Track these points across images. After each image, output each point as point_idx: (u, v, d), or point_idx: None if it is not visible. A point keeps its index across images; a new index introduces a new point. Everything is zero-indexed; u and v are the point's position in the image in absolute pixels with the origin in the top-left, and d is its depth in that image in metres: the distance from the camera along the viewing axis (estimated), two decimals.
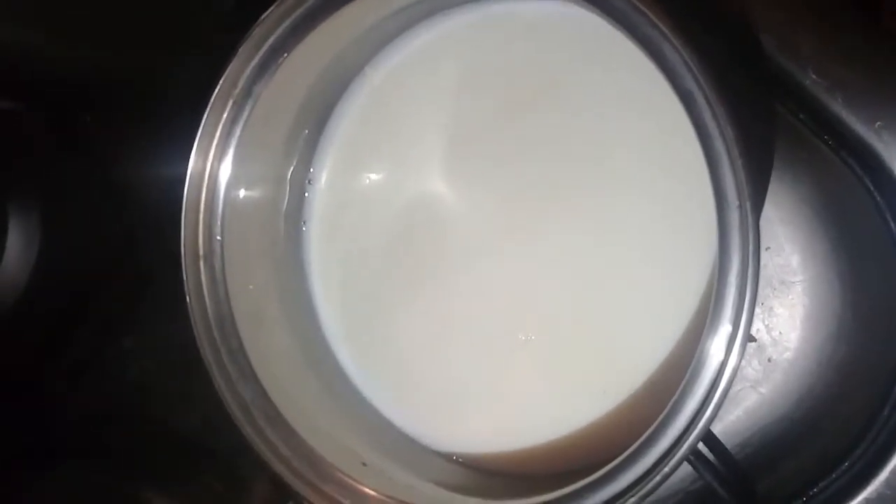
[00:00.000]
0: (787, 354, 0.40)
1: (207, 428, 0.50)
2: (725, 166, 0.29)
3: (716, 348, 0.30)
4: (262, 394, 0.37)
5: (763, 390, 0.40)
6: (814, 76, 0.37)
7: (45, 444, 0.51)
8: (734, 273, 0.29)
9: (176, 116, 0.39)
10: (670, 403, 0.30)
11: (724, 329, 0.29)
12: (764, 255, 0.40)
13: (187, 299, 0.37)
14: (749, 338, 0.30)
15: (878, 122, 0.37)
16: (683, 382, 0.30)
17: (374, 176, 0.43)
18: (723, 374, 0.29)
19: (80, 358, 0.53)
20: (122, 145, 0.45)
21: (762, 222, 0.39)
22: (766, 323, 0.40)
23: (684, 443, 0.30)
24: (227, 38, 0.37)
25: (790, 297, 0.40)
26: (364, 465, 0.37)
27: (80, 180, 0.48)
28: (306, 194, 0.43)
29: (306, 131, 0.42)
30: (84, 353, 0.53)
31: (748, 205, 0.28)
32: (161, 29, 0.43)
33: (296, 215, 0.42)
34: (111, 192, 0.48)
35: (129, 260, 0.49)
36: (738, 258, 0.29)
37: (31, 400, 0.51)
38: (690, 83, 0.29)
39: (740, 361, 0.29)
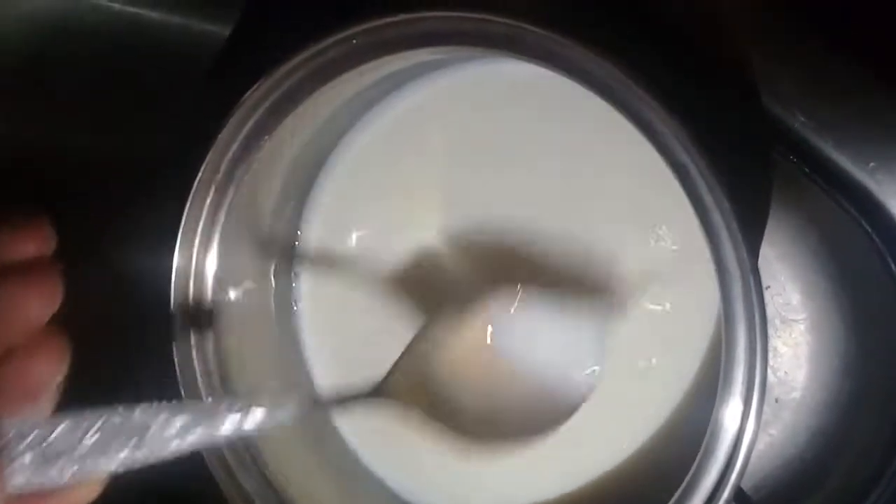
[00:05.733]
0: (795, 394, 0.40)
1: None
2: (725, 239, 0.28)
3: (729, 421, 0.29)
4: (266, 484, 0.36)
5: (773, 431, 0.40)
6: (802, 118, 0.37)
7: None
8: (741, 347, 0.28)
9: (162, 202, 0.38)
10: (686, 480, 0.30)
11: (735, 404, 0.29)
12: (765, 295, 0.39)
13: (182, 394, 0.36)
14: None
15: (872, 163, 0.36)
16: (698, 458, 0.29)
17: (364, 239, 0.42)
18: (739, 451, 0.28)
19: None
20: (106, 235, 0.44)
21: (760, 261, 0.39)
22: (771, 363, 0.40)
23: None
24: (210, 119, 0.37)
25: (793, 335, 0.40)
26: None
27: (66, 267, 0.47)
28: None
29: (292, 202, 0.41)
30: None
31: (751, 279, 0.27)
32: (141, 112, 0.42)
33: (286, 294, 0.41)
34: (96, 279, 0.47)
35: (121, 342, 0.48)
36: (745, 332, 0.28)
37: None
38: (683, 156, 0.28)
39: (755, 440, 0.28)
